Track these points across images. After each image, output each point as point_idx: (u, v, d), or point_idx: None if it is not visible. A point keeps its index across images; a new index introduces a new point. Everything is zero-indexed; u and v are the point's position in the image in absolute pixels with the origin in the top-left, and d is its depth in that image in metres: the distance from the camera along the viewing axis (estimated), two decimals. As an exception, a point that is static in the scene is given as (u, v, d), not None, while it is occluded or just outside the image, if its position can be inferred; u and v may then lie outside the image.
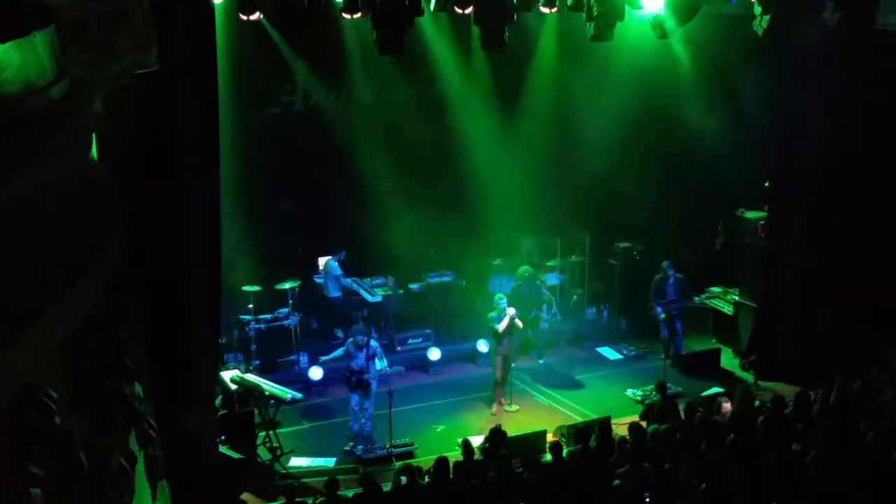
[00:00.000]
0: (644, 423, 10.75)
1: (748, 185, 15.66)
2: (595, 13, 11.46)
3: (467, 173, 15.53)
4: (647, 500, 8.89)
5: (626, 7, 11.69)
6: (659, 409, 11.45)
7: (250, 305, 14.09)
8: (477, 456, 10.27)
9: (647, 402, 12.76)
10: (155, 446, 4.97)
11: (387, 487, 9.96)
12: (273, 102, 15.16)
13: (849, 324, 13.10)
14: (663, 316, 14.79)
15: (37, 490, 3.17)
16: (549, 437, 11.52)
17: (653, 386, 13.51)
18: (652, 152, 16.11)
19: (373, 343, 12.41)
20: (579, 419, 12.58)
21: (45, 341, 3.34)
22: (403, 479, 9.43)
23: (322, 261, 15.51)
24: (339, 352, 12.76)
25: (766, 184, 14.68)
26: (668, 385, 12.87)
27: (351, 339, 12.34)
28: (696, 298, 15.77)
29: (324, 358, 13.48)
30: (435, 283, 15.93)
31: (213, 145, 10.52)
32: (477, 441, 11.01)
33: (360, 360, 12.14)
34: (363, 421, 12.16)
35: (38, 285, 3.30)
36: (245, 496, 10.91)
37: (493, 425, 10.84)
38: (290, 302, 14.51)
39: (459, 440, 10.54)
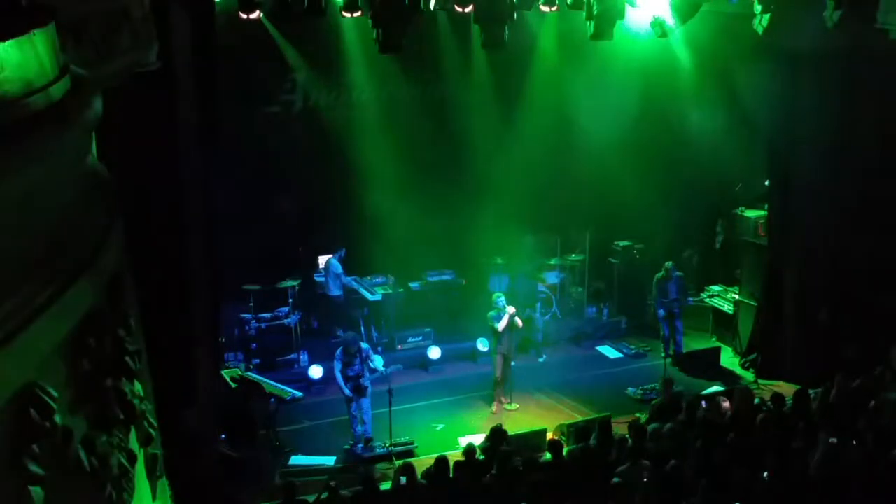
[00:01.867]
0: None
1: (748, 184, 15.68)
2: (595, 12, 11.48)
3: (467, 172, 15.53)
4: (647, 499, 8.89)
5: (626, 6, 11.70)
6: (659, 407, 11.44)
7: (250, 304, 14.10)
8: (478, 456, 10.27)
9: (653, 402, 12.66)
10: (155, 445, 4.97)
11: (386, 486, 9.96)
12: (273, 101, 15.15)
13: (849, 323, 13.11)
14: (664, 314, 14.81)
15: (37, 489, 3.17)
16: (549, 436, 11.52)
17: (653, 385, 13.57)
18: (652, 150, 16.12)
19: (363, 346, 12.41)
20: (579, 418, 12.58)
21: (45, 341, 3.34)
22: (403, 480, 9.43)
23: (323, 259, 15.51)
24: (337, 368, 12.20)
25: (766, 183, 14.69)
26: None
27: (341, 349, 12.24)
28: (692, 299, 15.76)
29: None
30: (435, 282, 15.94)
31: (213, 145, 10.53)
32: (476, 440, 11.02)
33: (355, 366, 12.11)
34: (364, 426, 12.12)
35: (38, 285, 3.30)
36: (245, 496, 10.91)
37: (493, 424, 10.85)
38: (291, 300, 14.52)
39: (462, 444, 10.52)
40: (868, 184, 13.11)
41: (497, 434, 10.32)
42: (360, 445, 11.95)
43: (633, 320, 16.27)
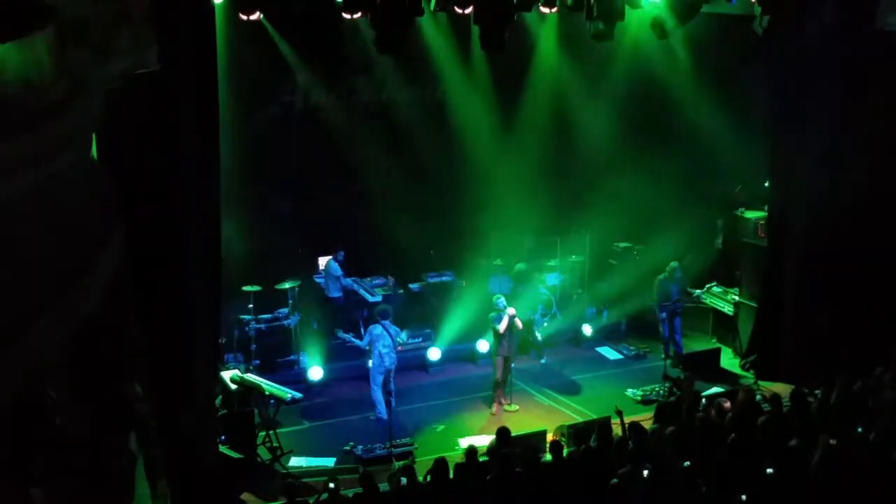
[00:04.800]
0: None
1: (748, 185, 15.67)
2: (595, 13, 11.47)
3: (467, 173, 15.53)
4: (647, 501, 8.88)
5: (626, 7, 11.70)
6: (660, 407, 11.38)
7: (250, 305, 14.08)
8: (479, 457, 10.28)
9: (670, 400, 12.53)
10: (155, 446, 4.98)
11: (386, 488, 9.96)
12: (273, 102, 15.15)
13: (849, 324, 13.11)
14: (665, 316, 14.77)
15: (37, 490, 3.17)
16: (549, 437, 11.52)
17: (653, 386, 13.59)
18: (651, 152, 16.11)
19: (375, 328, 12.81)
20: (579, 419, 12.59)
21: (45, 341, 3.34)
22: (404, 480, 9.42)
23: (322, 261, 15.51)
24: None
25: (766, 184, 14.69)
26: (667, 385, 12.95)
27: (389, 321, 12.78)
28: (696, 292, 15.74)
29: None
30: (435, 283, 15.91)
31: (212, 145, 10.53)
32: (477, 441, 11.01)
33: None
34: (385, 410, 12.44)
35: (39, 285, 3.30)
36: (245, 496, 10.91)
37: (493, 425, 10.84)
38: (290, 302, 14.51)
39: (463, 444, 10.52)
40: (868, 185, 13.10)
41: (503, 435, 10.34)
42: (360, 447, 11.95)
43: (633, 322, 16.25)
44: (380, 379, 12.63)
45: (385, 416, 12.47)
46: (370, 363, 12.73)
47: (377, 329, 12.71)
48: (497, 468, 9.41)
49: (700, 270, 16.56)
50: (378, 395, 12.62)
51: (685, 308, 15.16)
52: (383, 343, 12.65)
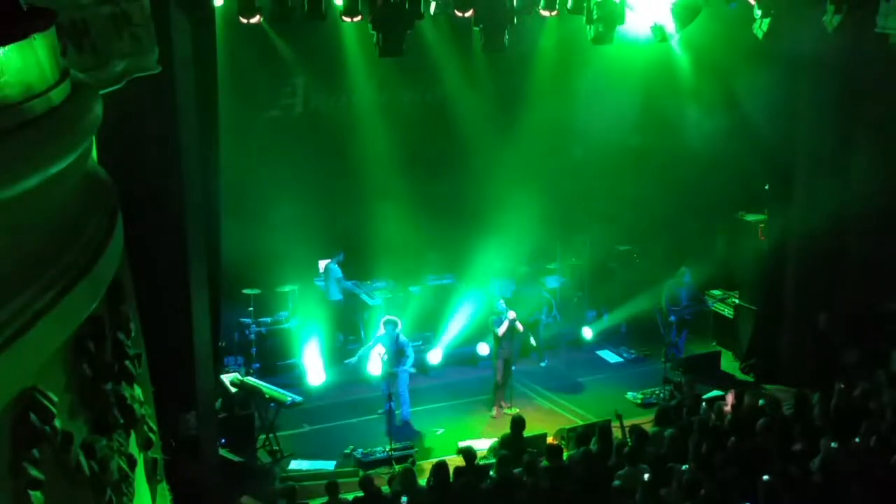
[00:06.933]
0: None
1: (748, 188, 15.67)
2: (595, 16, 11.49)
3: (467, 176, 15.52)
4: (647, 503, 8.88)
5: (627, 10, 11.72)
6: (661, 410, 11.38)
7: (250, 308, 14.08)
8: (489, 451, 10.29)
9: (672, 403, 12.53)
10: (155, 449, 4.97)
11: (386, 491, 9.95)
12: (273, 105, 15.14)
13: (849, 327, 13.11)
14: (675, 320, 14.74)
15: (37, 493, 3.17)
16: (550, 440, 11.51)
17: (653, 389, 13.58)
18: (652, 154, 16.11)
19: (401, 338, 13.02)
20: (579, 422, 12.58)
21: (45, 345, 3.34)
22: (403, 485, 9.43)
23: (322, 264, 15.50)
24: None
25: (766, 187, 14.69)
26: (667, 389, 12.94)
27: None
28: (709, 301, 15.73)
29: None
30: (435, 286, 15.91)
31: (213, 147, 10.54)
32: (477, 444, 11.01)
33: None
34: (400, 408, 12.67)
35: (38, 289, 3.29)
36: (245, 499, 10.91)
37: (493, 428, 10.85)
38: (291, 305, 14.49)
39: (460, 445, 10.54)
40: (868, 188, 13.11)
41: (518, 425, 10.38)
42: (360, 450, 11.94)
43: (633, 325, 16.23)
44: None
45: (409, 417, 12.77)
46: (401, 369, 12.84)
47: (402, 337, 12.86)
48: (496, 472, 9.42)
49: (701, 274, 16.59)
50: (407, 395, 12.88)
51: (696, 311, 15.14)
52: (410, 347, 13.03)
